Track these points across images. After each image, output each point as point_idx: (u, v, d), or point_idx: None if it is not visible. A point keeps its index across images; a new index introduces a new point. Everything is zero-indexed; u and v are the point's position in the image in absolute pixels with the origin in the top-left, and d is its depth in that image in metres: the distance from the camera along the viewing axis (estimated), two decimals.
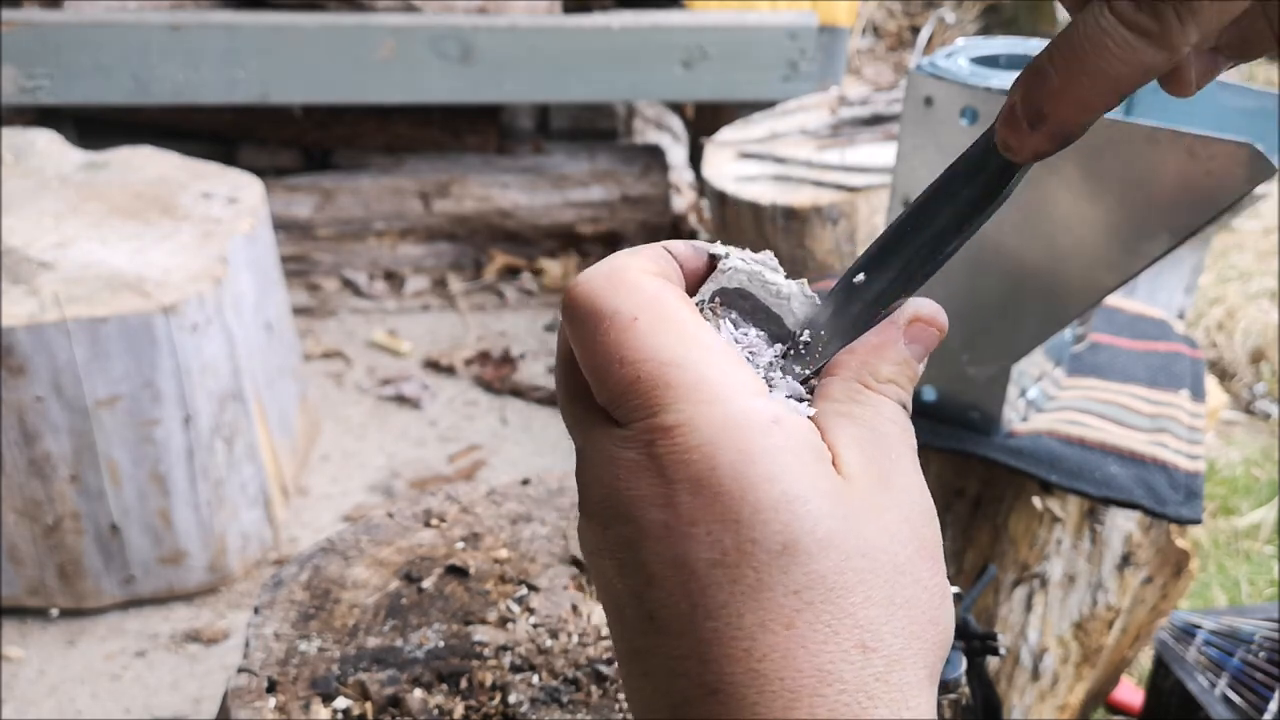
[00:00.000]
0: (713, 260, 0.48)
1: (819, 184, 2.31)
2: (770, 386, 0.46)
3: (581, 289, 0.44)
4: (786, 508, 0.40)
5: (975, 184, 0.48)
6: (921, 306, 0.48)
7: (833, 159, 2.41)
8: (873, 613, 0.40)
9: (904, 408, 0.46)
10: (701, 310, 0.47)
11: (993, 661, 1.36)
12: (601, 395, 0.44)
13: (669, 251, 0.47)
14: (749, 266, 0.48)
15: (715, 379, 0.42)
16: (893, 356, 0.47)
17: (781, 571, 0.39)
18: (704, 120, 3.67)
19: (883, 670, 0.40)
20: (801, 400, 0.46)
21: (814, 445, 0.42)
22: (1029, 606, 1.35)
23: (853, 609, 0.40)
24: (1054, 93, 0.45)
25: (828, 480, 0.41)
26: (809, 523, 0.40)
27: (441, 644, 0.87)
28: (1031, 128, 0.46)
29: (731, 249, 0.48)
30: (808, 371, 0.48)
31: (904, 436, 0.45)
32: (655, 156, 3.31)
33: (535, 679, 0.84)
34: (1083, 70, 0.44)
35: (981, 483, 1.33)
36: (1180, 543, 1.33)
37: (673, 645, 0.41)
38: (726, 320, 0.47)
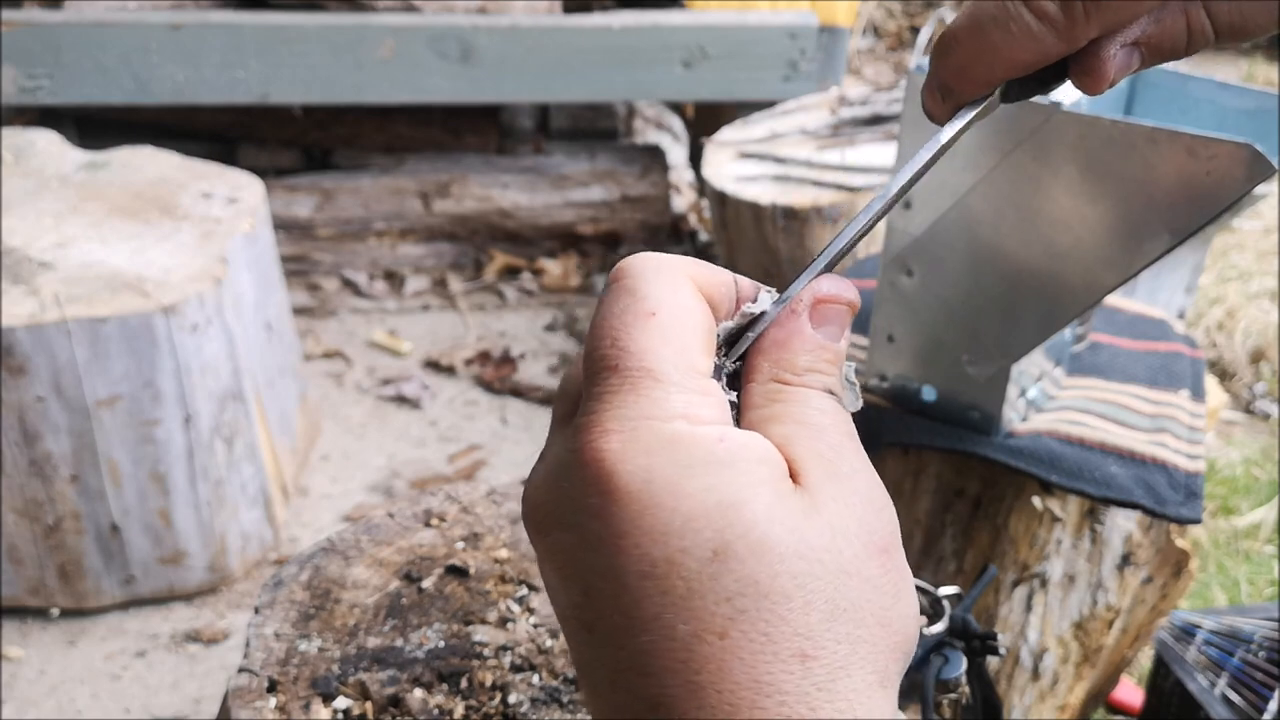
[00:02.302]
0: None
1: (819, 184, 2.31)
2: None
3: (633, 262, 0.44)
4: (720, 514, 0.38)
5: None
6: (821, 285, 0.45)
7: (833, 159, 2.42)
8: (813, 619, 0.38)
9: (832, 394, 0.44)
10: (719, 343, 0.45)
11: (993, 661, 1.36)
12: (586, 360, 0.43)
13: (736, 283, 0.46)
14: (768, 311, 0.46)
15: (676, 404, 0.40)
16: (802, 345, 0.44)
17: (712, 579, 0.38)
18: (704, 120, 3.67)
19: (824, 680, 0.38)
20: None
21: (764, 456, 0.41)
22: (1029, 606, 1.35)
23: (790, 615, 0.38)
24: (956, 69, 0.46)
25: (769, 486, 0.40)
26: (741, 528, 0.38)
27: (442, 644, 0.87)
28: (942, 99, 0.47)
29: (771, 295, 0.46)
30: (730, 366, 0.45)
31: (839, 425, 0.43)
32: (655, 156, 3.31)
33: (535, 679, 0.84)
34: (984, 50, 0.44)
35: (981, 483, 1.33)
36: (1180, 543, 1.33)
37: (612, 658, 0.40)
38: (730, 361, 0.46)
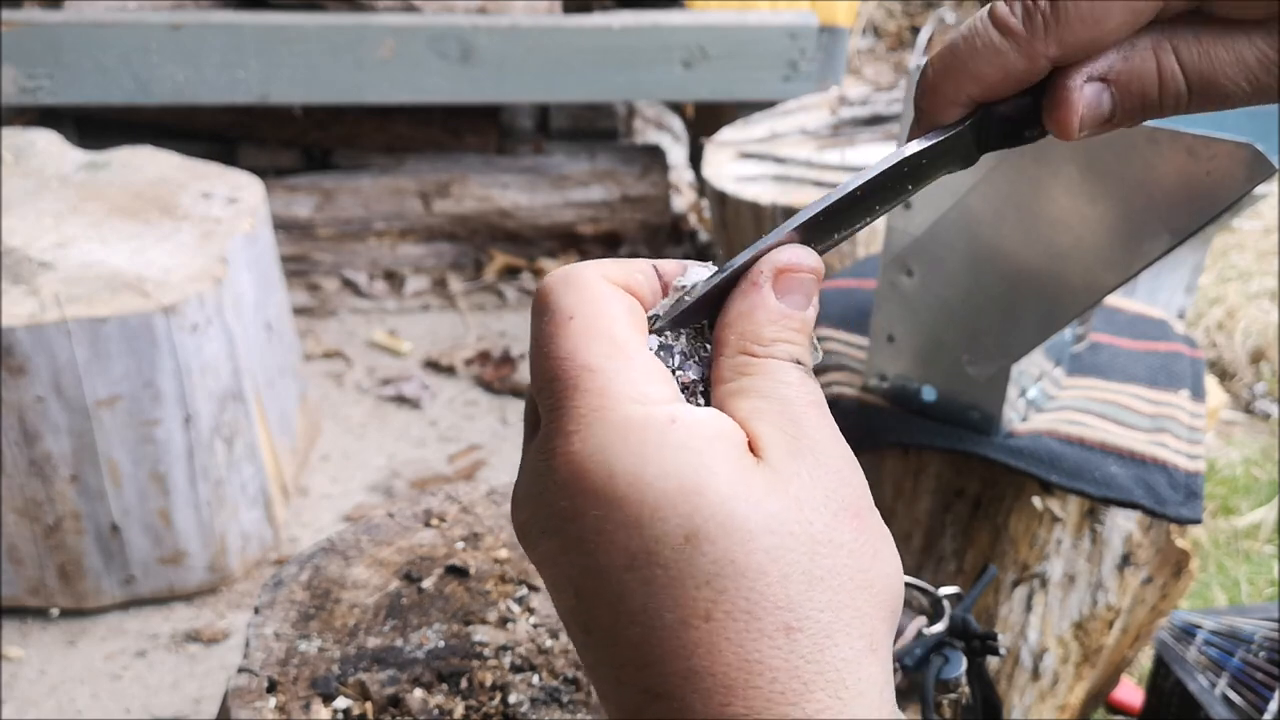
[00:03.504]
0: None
1: (819, 184, 2.31)
2: (690, 395, 0.45)
3: (543, 282, 0.45)
4: (684, 499, 0.39)
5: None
6: (780, 255, 0.45)
7: (833, 159, 2.42)
8: (791, 590, 0.39)
9: (799, 363, 0.44)
10: (653, 324, 0.46)
11: (993, 661, 1.36)
12: (532, 384, 0.44)
13: (656, 269, 0.47)
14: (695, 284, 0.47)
15: (621, 388, 0.41)
16: (767, 316, 0.44)
17: (688, 563, 0.39)
18: (704, 120, 3.67)
19: (812, 651, 0.39)
20: (695, 384, 0.45)
21: (720, 432, 0.41)
22: (1029, 606, 1.35)
23: (768, 589, 0.39)
24: (928, 89, 0.47)
25: (728, 463, 0.40)
26: (708, 509, 0.39)
27: (441, 644, 0.87)
28: (916, 122, 0.48)
29: (705, 268, 0.47)
30: (667, 333, 0.46)
31: (806, 394, 0.43)
32: (655, 156, 3.31)
33: (535, 679, 0.84)
34: (952, 66, 0.45)
35: (981, 483, 1.33)
36: (1180, 543, 1.33)
37: (611, 655, 0.41)
38: (682, 337, 0.46)
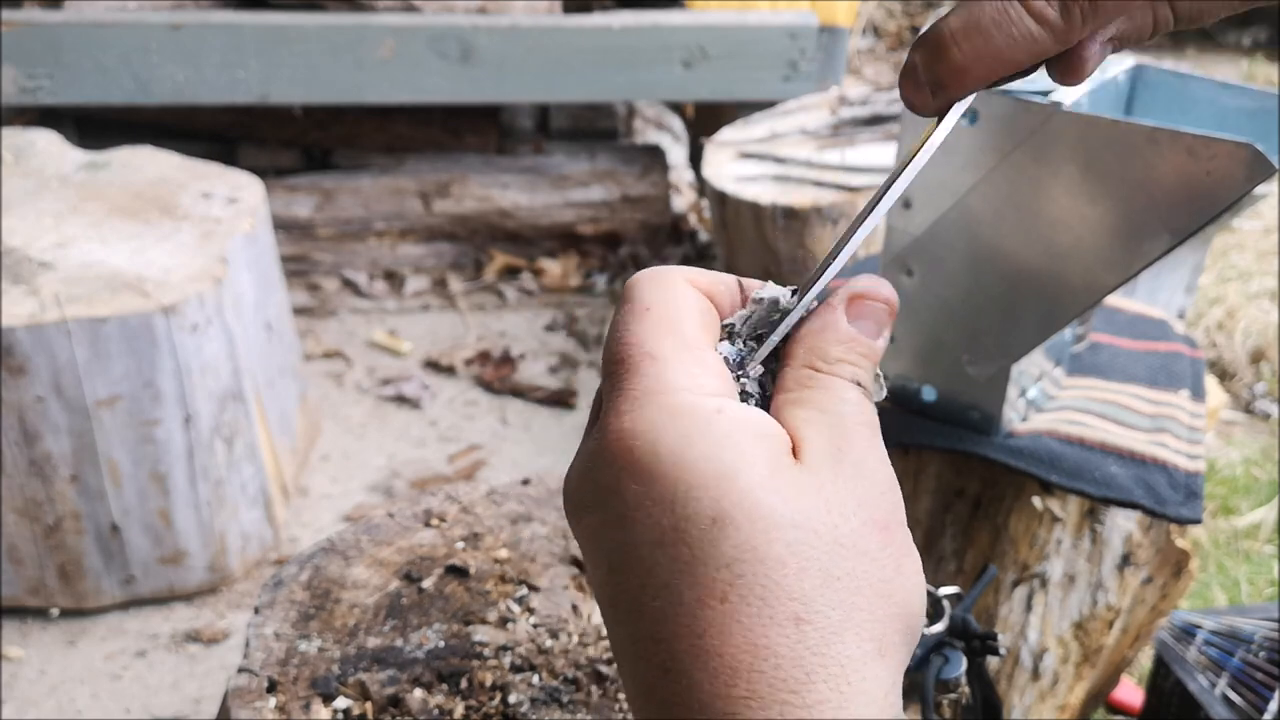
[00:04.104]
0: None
1: (819, 184, 2.31)
2: (746, 396, 0.47)
3: (634, 276, 0.48)
4: (716, 483, 0.41)
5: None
6: (858, 283, 0.48)
7: (833, 159, 2.42)
8: (806, 584, 0.40)
9: (859, 385, 0.46)
10: (728, 331, 0.48)
11: (993, 661, 1.36)
12: (602, 367, 0.46)
13: (740, 283, 0.50)
14: (776, 300, 0.49)
15: (676, 377, 0.43)
16: (836, 336, 0.47)
17: (712, 545, 0.40)
18: (704, 120, 3.67)
19: (818, 644, 0.40)
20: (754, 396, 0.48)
21: (762, 431, 0.43)
22: (1029, 606, 1.35)
23: (784, 580, 0.40)
24: (954, 68, 0.47)
25: (764, 458, 0.42)
26: (736, 496, 0.40)
27: (441, 644, 0.87)
28: (933, 95, 0.49)
29: (785, 290, 0.49)
30: (752, 365, 0.48)
31: (860, 413, 0.45)
32: (655, 156, 3.31)
33: (535, 679, 0.84)
34: (984, 52, 0.46)
35: (981, 483, 1.33)
36: (1180, 543, 1.33)
37: (632, 629, 0.42)
38: (751, 352, 0.49)
